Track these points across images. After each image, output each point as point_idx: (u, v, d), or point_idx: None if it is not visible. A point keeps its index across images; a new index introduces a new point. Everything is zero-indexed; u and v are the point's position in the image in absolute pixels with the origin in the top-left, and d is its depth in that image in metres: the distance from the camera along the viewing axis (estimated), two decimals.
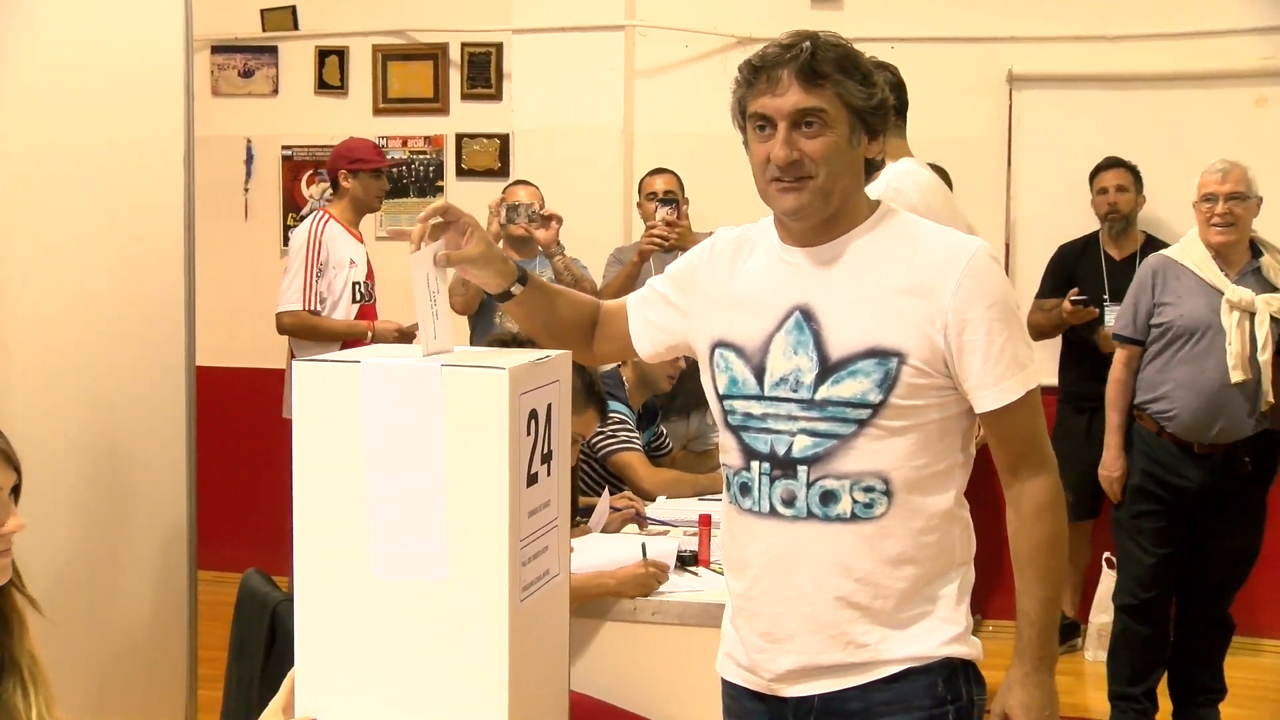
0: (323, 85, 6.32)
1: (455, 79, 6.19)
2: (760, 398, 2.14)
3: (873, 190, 3.56)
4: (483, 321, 5.08)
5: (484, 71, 6.16)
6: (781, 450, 2.12)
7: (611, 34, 5.90)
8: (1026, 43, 5.66)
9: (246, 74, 6.37)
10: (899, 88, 3.57)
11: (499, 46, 6.11)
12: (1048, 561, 2.15)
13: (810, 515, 2.11)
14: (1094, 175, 5.45)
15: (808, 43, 2.08)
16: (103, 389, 3.58)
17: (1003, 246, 5.57)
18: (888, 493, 2.09)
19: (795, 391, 2.11)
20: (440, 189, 6.19)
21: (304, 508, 2.00)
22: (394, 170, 6.12)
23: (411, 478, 1.93)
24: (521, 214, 5.13)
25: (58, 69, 3.38)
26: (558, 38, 5.89)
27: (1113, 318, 4.79)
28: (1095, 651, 5.24)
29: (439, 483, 1.93)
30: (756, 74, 2.11)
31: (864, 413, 2.07)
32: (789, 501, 2.13)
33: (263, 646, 2.91)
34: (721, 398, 2.21)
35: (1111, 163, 5.41)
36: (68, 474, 3.43)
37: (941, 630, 2.14)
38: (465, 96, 6.19)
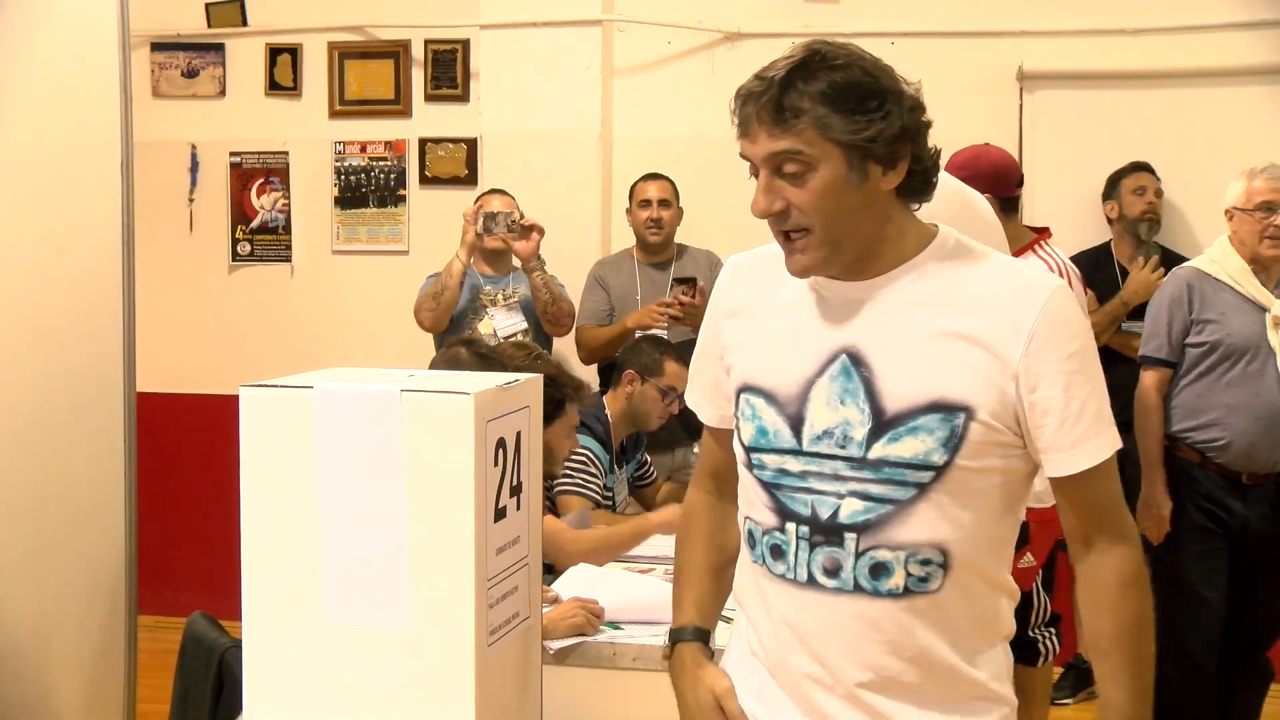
0: (274, 86, 6.32)
1: (418, 79, 6.20)
2: (798, 452, 2.03)
3: None
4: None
5: (449, 70, 6.18)
6: (825, 514, 2.01)
7: (588, 29, 5.92)
8: (1038, 38, 5.69)
9: (190, 74, 6.37)
10: None
11: (465, 43, 6.12)
12: (1137, 645, 2.03)
13: (857, 589, 2.01)
14: (1120, 178, 5.47)
15: (783, 73, 1.95)
16: (31, 416, 3.57)
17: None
18: (945, 565, 1.99)
19: (843, 448, 1.99)
20: (402, 198, 6.20)
21: (252, 546, 2.00)
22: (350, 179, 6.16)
23: (369, 512, 1.94)
24: (500, 224, 5.14)
25: None
26: (529, 34, 5.91)
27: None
28: None
29: (399, 518, 1.93)
30: (734, 114, 2.01)
31: (926, 475, 1.96)
32: (832, 572, 2.02)
33: (209, 697, 2.91)
34: (748, 449, 2.10)
35: (1139, 166, 5.44)
36: None
37: (993, 711, 2.07)
38: (429, 98, 6.19)
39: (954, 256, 2.04)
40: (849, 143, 1.93)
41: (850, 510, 2.00)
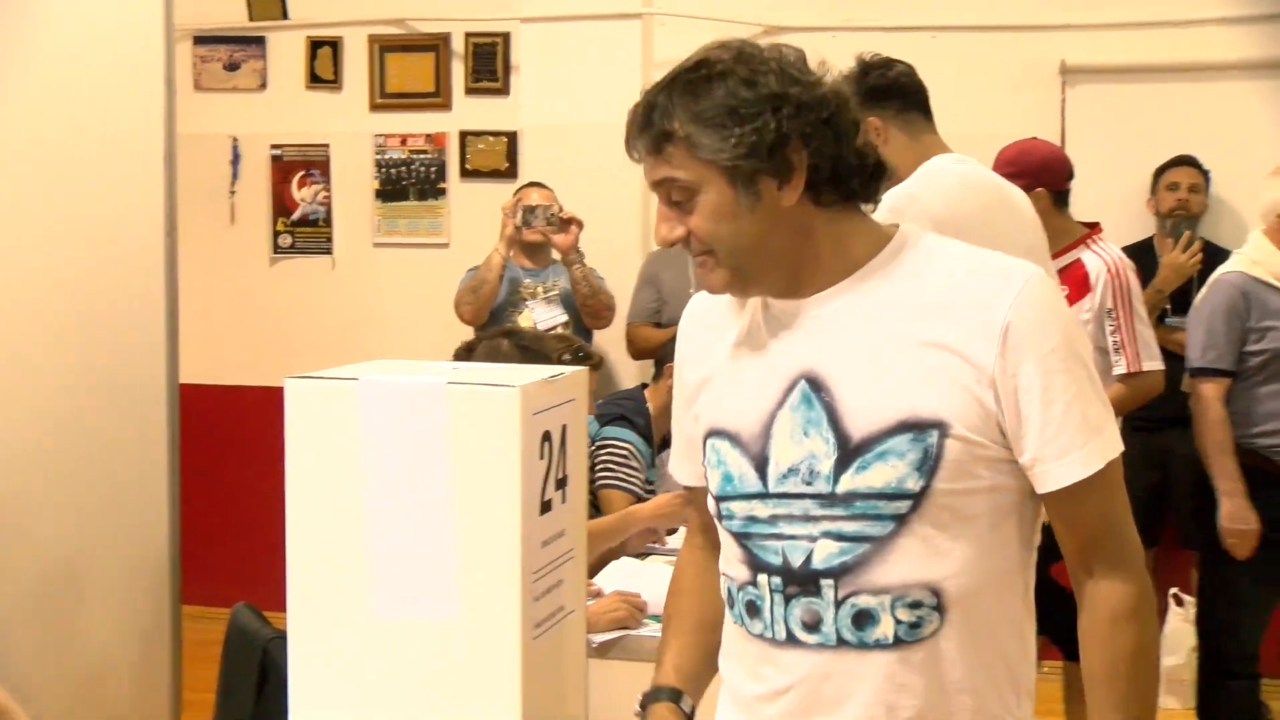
0: (315, 79, 6.32)
1: (459, 72, 6.20)
2: (764, 495, 1.82)
3: (888, 200, 3.57)
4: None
5: (489, 64, 6.17)
6: (797, 561, 1.80)
7: (628, 23, 5.90)
8: (1080, 31, 5.62)
9: (232, 67, 6.39)
10: (904, 84, 3.61)
11: (506, 37, 6.12)
12: (1129, 681, 1.80)
13: (841, 643, 1.79)
14: (1160, 172, 5.42)
15: (654, 93, 1.81)
16: (76, 409, 3.59)
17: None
18: (939, 608, 1.77)
19: (810, 484, 1.78)
20: (442, 191, 6.19)
21: (297, 538, 2.00)
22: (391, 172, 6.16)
23: (414, 505, 1.93)
24: (539, 216, 5.13)
25: (27, 61, 3.39)
26: (570, 27, 5.89)
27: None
28: (1164, 698, 5.17)
29: (444, 511, 1.92)
30: None
31: (903, 506, 1.75)
32: (812, 626, 1.80)
33: (253, 688, 2.91)
34: (717, 499, 1.91)
35: (1183, 160, 5.39)
36: (36, 502, 3.43)
37: None
38: (469, 91, 6.19)
39: (914, 256, 1.83)
40: (723, 164, 1.76)
41: (824, 554, 1.78)
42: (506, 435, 1.90)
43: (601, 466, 4.31)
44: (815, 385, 1.79)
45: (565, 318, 5.25)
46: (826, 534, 1.78)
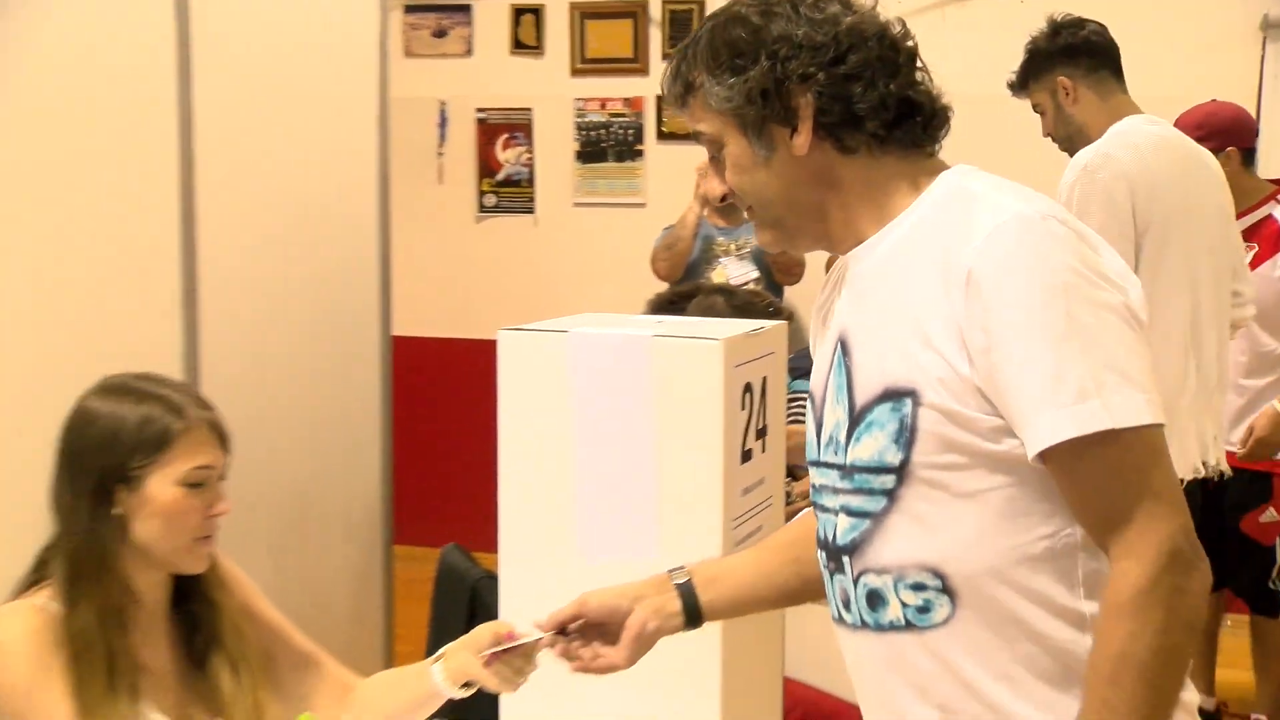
0: (518, 45, 6.38)
1: (656, 38, 6.20)
2: (816, 464, 1.67)
3: (1081, 158, 3.49)
4: None
5: (685, 30, 6.15)
6: (829, 535, 1.65)
7: None
8: None
9: (439, 34, 6.47)
10: (1095, 43, 3.53)
11: (701, 4, 6.10)
12: (1110, 687, 1.45)
13: (864, 624, 1.63)
14: None
15: (687, 47, 1.67)
16: (297, 359, 3.68)
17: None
18: (946, 591, 1.55)
19: (836, 454, 1.62)
20: (639, 153, 6.21)
21: (509, 482, 2.04)
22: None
23: (620, 452, 1.95)
24: None
25: (255, 30, 3.48)
26: None
27: None
28: None
29: (649, 458, 1.94)
30: None
31: (888, 480, 1.55)
32: (846, 605, 1.65)
33: (463, 624, 2.97)
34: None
35: None
36: (260, 447, 3.54)
37: None
38: (666, 56, 6.18)
39: (935, 206, 1.60)
40: (729, 112, 1.63)
41: (843, 529, 1.62)
42: (710, 386, 1.92)
43: (792, 419, 4.30)
44: (844, 349, 1.63)
45: (757, 274, 5.24)
46: (843, 508, 1.62)
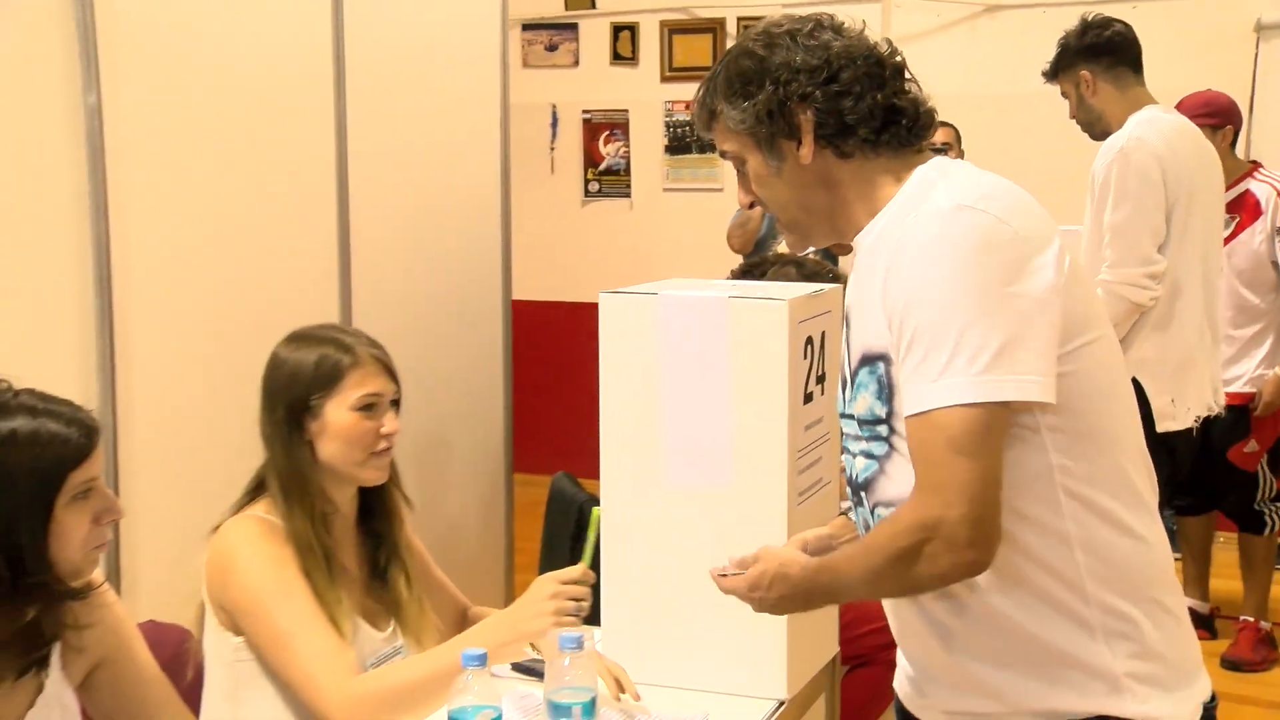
0: (617, 57, 6.34)
1: None
2: (843, 415, 1.65)
3: (1115, 141, 3.40)
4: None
5: None
6: (854, 475, 1.63)
7: (869, 6, 5.73)
8: None
9: (551, 48, 6.45)
10: (1116, 41, 3.45)
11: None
12: (867, 554, 1.52)
13: None
14: None
15: (709, 80, 1.65)
16: (434, 320, 3.70)
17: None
18: None
19: (846, 407, 1.64)
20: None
21: (609, 421, 2.02)
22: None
23: (701, 397, 1.93)
24: None
25: (398, 47, 3.48)
26: (819, 10, 5.75)
27: None
28: None
29: (726, 401, 1.92)
30: None
31: (882, 429, 1.54)
32: (867, 531, 1.64)
33: (569, 541, 2.97)
34: None
35: None
36: (405, 393, 3.56)
37: (1089, 686, 1.51)
38: None
39: (906, 197, 1.57)
40: (745, 133, 1.60)
41: (859, 469, 1.61)
42: (777, 340, 1.89)
43: None
44: (846, 320, 1.63)
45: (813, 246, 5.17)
46: (861, 452, 1.59)
